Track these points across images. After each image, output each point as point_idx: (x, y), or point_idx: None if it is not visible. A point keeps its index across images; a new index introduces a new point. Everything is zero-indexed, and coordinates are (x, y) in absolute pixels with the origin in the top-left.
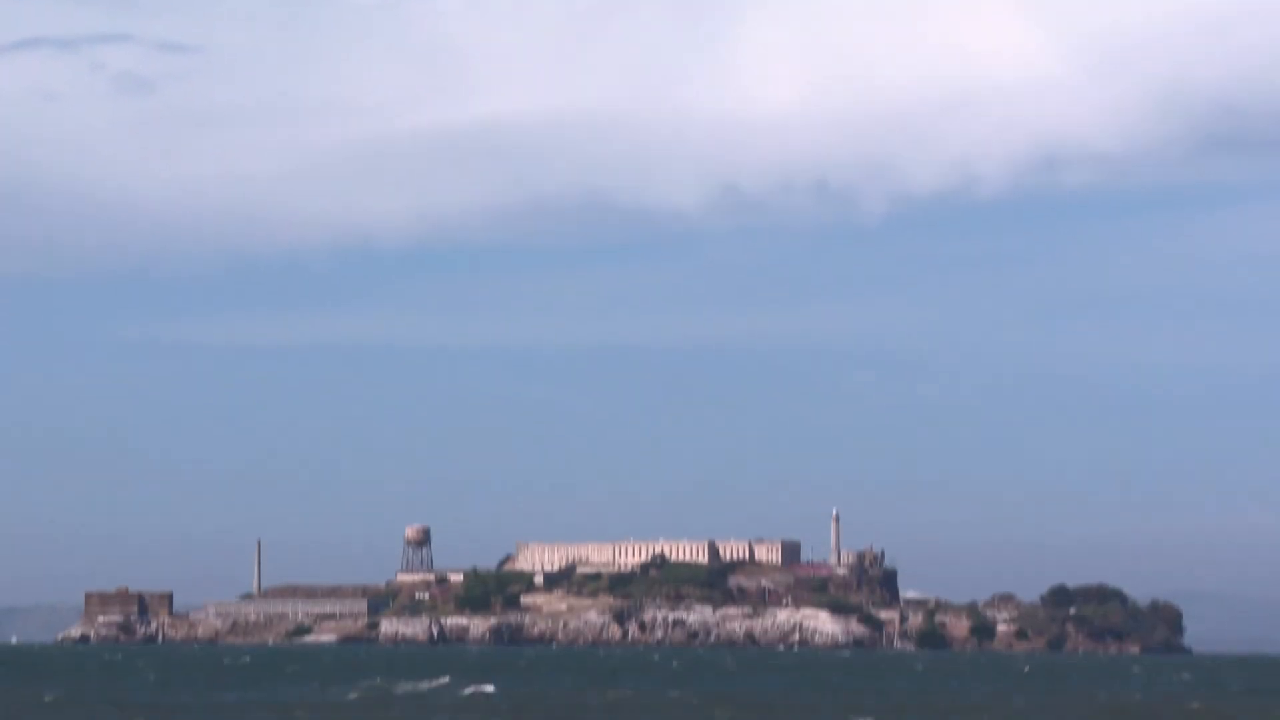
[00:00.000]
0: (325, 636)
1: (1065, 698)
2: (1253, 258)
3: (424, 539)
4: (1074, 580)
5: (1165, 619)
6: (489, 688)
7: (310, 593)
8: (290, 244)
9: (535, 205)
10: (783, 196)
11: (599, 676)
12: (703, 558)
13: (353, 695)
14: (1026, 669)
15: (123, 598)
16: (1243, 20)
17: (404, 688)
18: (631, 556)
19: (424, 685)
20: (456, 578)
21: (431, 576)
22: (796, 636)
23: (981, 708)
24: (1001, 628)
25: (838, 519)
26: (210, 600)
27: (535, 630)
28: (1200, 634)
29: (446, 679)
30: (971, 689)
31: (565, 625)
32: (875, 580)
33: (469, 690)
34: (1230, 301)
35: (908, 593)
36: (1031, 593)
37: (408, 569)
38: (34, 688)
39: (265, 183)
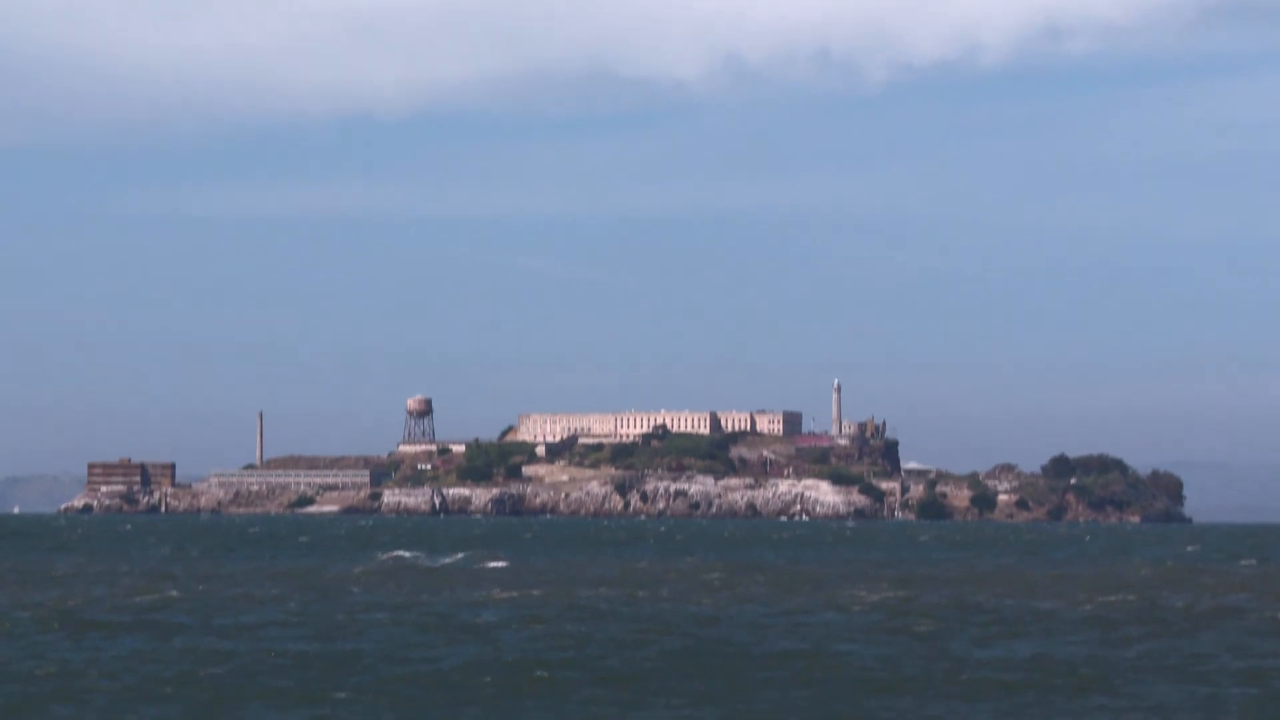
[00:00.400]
0: (328, 507)
1: (1082, 567)
2: (1256, 126)
3: (426, 410)
4: (1075, 451)
5: (1165, 488)
6: (501, 562)
7: (312, 463)
8: (291, 114)
9: (536, 75)
10: (784, 66)
11: (616, 548)
12: (704, 428)
13: (358, 570)
14: (1088, 538)
15: (125, 468)
16: None
17: (424, 562)
18: (633, 427)
19: (444, 560)
20: (458, 448)
21: (433, 447)
22: (798, 507)
23: (1006, 577)
24: (1002, 498)
25: (839, 390)
26: (213, 471)
27: (537, 501)
28: (1199, 503)
29: (460, 554)
30: (1001, 559)
31: (567, 496)
32: (876, 451)
33: (489, 564)
34: (1232, 170)
35: (909, 463)
36: (1032, 463)
37: (409, 440)
38: (44, 558)
39: (266, 53)
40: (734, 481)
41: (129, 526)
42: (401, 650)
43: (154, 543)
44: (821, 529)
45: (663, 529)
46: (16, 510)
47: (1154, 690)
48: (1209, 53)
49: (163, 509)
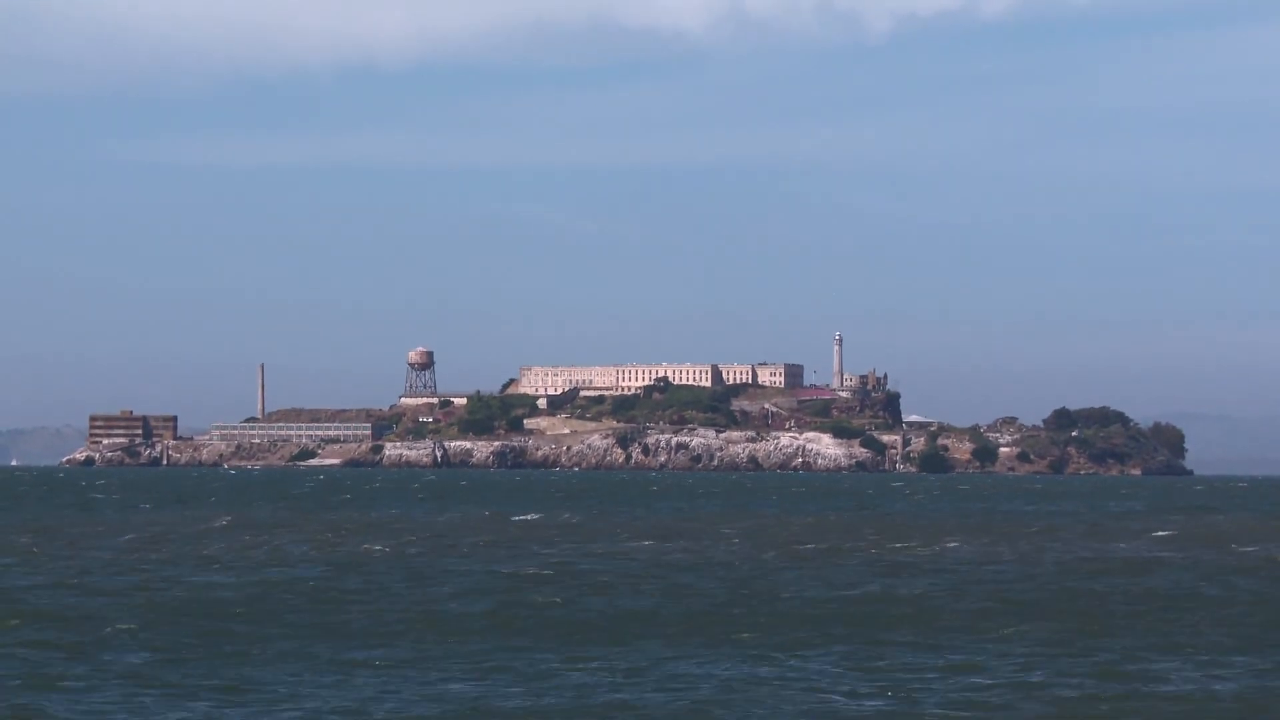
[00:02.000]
0: (330, 460)
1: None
2: (1261, 75)
3: (427, 362)
4: (1076, 403)
5: (1167, 441)
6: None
7: (314, 416)
8: (292, 63)
9: (539, 25)
10: (788, 16)
11: (673, 500)
12: (706, 381)
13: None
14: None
15: (127, 421)
16: None
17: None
18: (635, 380)
19: (529, 516)
20: (460, 401)
21: (435, 400)
22: (799, 460)
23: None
24: (1004, 450)
25: (840, 342)
26: (214, 423)
27: (539, 454)
28: (1201, 455)
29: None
30: (1054, 515)
31: (568, 449)
32: (878, 403)
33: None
34: (1236, 120)
35: (910, 416)
36: (1034, 416)
37: (411, 392)
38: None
39: (268, 2)
40: (735, 434)
41: (185, 483)
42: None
43: (207, 497)
44: (845, 482)
45: (691, 481)
46: (14, 462)
47: None
48: (1214, 2)
49: (164, 462)
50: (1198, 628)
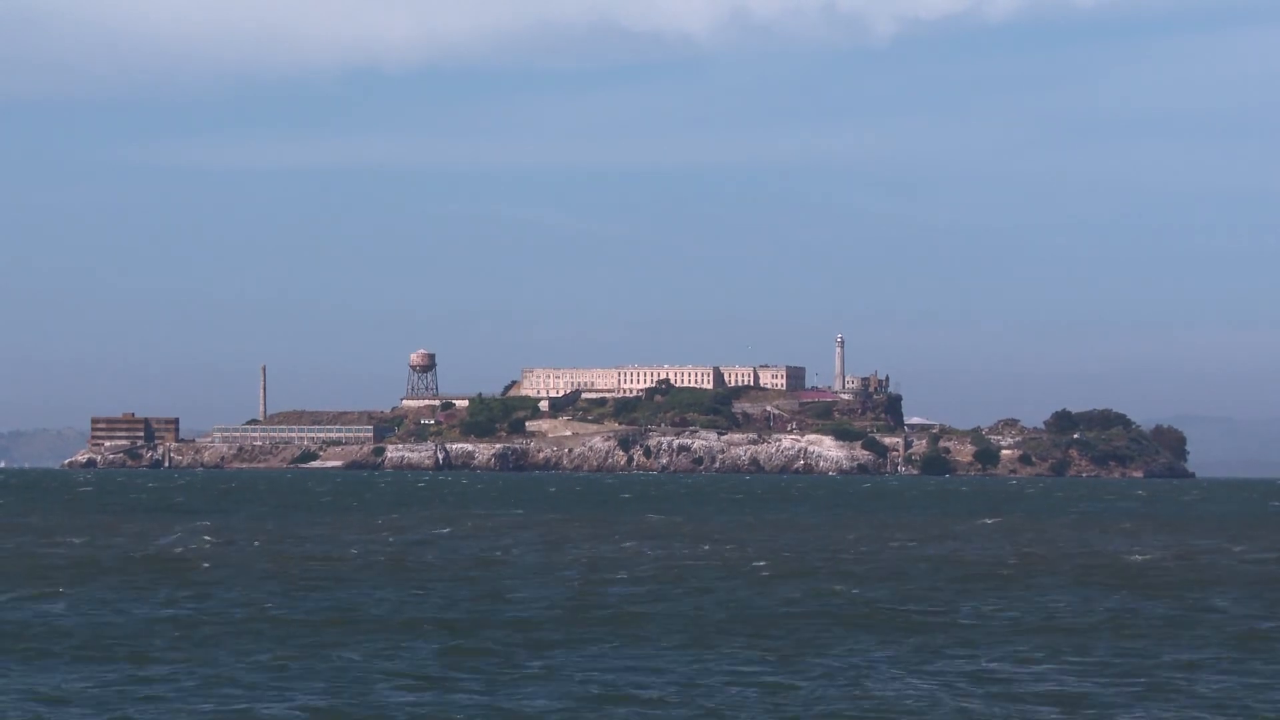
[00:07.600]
0: (331, 462)
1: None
2: (1262, 79)
3: (429, 364)
4: (1078, 405)
5: (1169, 443)
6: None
7: (315, 418)
8: (297, 66)
9: (542, 28)
10: (792, 19)
11: (699, 504)
12: (708, 383)
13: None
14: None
15: (129, 423)
16: None
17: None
18: (636, 382)
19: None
20: (461, 403)
21: (436, 402)
22: (801, 462)
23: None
24: (1005, 453)
25: (842, 344)
26: (216, 425)
27: (540, 456)
28: (1202, 457)
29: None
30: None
31: (570, 451)
32: (880, 406)
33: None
34: (1235, 123)
35: (912, 418)
36: (1035, 418)
37: (412, 395)
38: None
39: (274, 6)
40: (737, 436)
41: (179, 481)
42: None
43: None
44: (857, 486)
45: (719, 483)
46: (3, 464)
47: None
48: (1217, 6)
49: (166, 464)
50: None
